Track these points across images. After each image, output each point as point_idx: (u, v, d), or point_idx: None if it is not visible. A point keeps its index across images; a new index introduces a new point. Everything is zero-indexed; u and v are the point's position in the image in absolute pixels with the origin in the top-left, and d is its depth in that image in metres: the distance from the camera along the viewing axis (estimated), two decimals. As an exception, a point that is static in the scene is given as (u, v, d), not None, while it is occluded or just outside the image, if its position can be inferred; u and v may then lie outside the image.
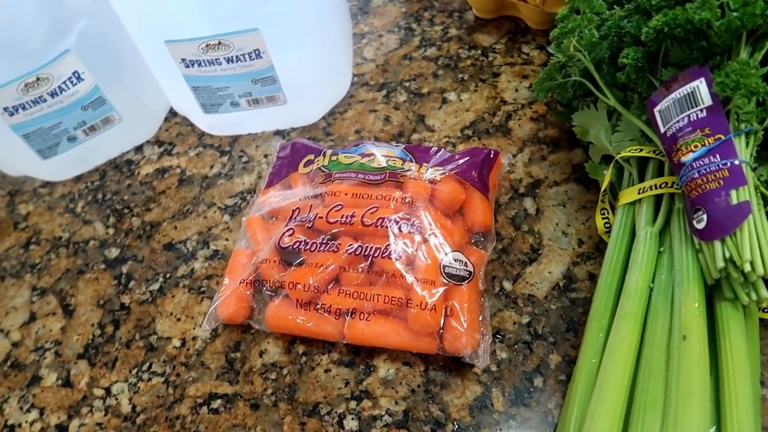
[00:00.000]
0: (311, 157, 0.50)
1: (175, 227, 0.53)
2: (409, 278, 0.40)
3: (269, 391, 0.42)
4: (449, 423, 0.39)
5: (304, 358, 0.43)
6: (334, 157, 0.48)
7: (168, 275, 0.50)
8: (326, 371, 0.42)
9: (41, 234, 0.55)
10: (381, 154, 0.47)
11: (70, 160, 0.57)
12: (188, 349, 0.45)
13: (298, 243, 0.44)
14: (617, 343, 0.33)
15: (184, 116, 0.61)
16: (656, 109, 0.38)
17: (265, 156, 0.57)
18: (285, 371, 0.43)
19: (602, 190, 0.42)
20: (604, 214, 0.43)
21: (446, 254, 0.41)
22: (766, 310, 0.36)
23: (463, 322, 0.39)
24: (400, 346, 0.41)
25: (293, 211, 0.46)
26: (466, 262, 0.41)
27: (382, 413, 0.40)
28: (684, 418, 0.28)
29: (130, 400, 0.43)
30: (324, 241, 0.43)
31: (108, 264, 0.52)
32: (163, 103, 0.61)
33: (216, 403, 0.42)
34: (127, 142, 0.60)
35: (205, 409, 0.42)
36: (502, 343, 0.42)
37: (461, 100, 0.58)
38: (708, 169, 0.33)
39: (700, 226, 0.33)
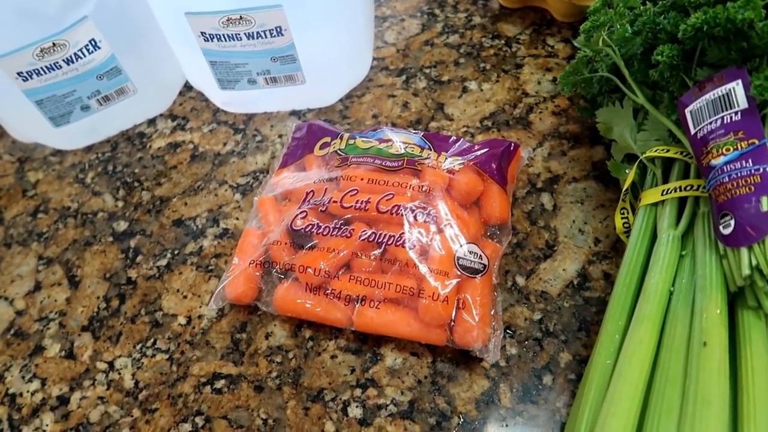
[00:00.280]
0: (327, 139, 0.49)
1: (186, 203, 0.52)
2: (422, 268, 0.40)
3: (274, 374, 0.41)
4: (455, 416, 0.39)
5: (310, 343, 0.43)
6: (351, 141, 0.47)
7: (176, 251, 0.49)
8: (332, 357, 0.42)
9: (50, 203, 0.54)
10: (399, 141, 0.47)
11: (82, 130, 0.56)
12: (194, 328, 0.45)
13: (310, 226, 0.43)
14: (634, 346, 0.32)
15: (199, 91, 0.60)
16: (688, 110, 0.36)
17: (280, 136, 0.56)
18: (291, 355, 0.42)
19: (624, 189, 0.42)
20: (623, 213, 0.42)
21: (461, 246, 0.40)
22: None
23: (475, 316, 0.38)
24: (409, 336, 0.40)
25: (307, 193, 0.45)
26: (480, 255, 0.40)
27: (387, 402, 0.39)
28: (701, 427, 0.27)
29: (132, 375, 0.43)
30: (337, 226, 0.42)
31: (116, 237, 0.51)
32: (179, 76, 0.60)
33: (219, 383, 0.42)
34: (141, 114, 0.59)
35: (208, 388, 0.41)
36: (513, 338, 0.41)
37: (482, 90, 0.56)
38: (739, 174, 0.32)
39: (727, 231, 0.32)
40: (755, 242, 0.31)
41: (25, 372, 0.44)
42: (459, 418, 0.38)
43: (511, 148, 0.46)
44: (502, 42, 0.60)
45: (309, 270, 0.41)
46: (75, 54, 0.50)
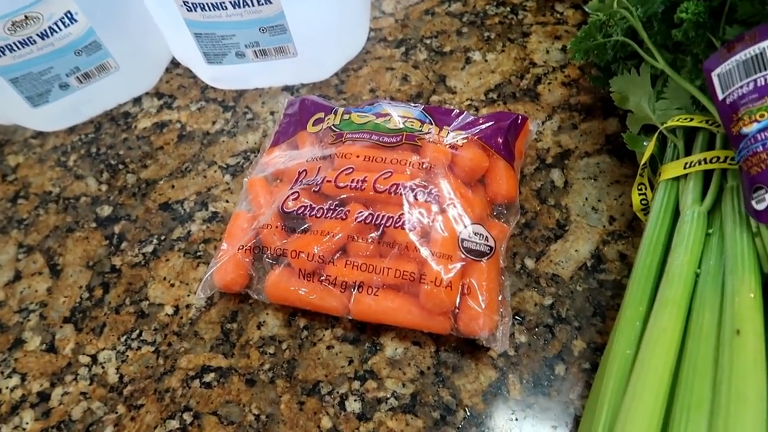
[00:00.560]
0: (321, 115, 0.45)
1: (173, 186, 0.49)
2: (424, 251, 0.37)
3: (266, 366, 0.39)
4: (460, 409, 0.36)
5: (305, 333, 0.40)
6: (346, 116, 0.44)
7: (163, 237, 0.46)
8: (329, 348, 0.39)
9: (30, 188, 0.51)
10: (398, 115, 0.43)
11: (62, 110, 0.53)
12: (181, 318, 0.42)
13: (303, 208, 0.40)
14: (657, 334, 0.29)
15: (187, 68, 0.57)
16: (715, 73, 0.33)
17: (272, 113, 0.53)
18: (284, 346, 0.40)
19: (642, 163, 0.38)
20: (641, 189, 0.39)
21: (465, 227, 0.37)
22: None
23: (481, 302, 0.35)
24: (410, 325, 0.37)
25: (299, 173, 0.42)
26: (486, 236, 0.37)
27: (388, 396, 0.37)
28: (736, 423, 0.25)
29: (117, 369, 0.40)
30: (331, 207, 0.39)
31: (99, 223, 0.48)
32: (165, 52, 0.57)
33: (209, 377, 0.39)
34: (125, 92, 0.56)
35: (197, 382, 0.39)
36: (522, 325, 0.38)
37: (486, 61, 0.53)
38: (774, 142, 0.29)
39: (761, 207, 0.29)
40: (794, 218, 0.27)
41: (4, 367, 0.41)
42: (465, 411, 0.36)
43: (519, 121, 0.43)
44: (508, 9, 0.56)
45: (302, 255, 0.38)
46: (50, 27, 0.46)
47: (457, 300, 0.36)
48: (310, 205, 0.40)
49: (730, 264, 0.30)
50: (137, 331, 0.42)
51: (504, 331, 0.36)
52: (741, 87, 0.31)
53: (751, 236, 0.30)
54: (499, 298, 0.37)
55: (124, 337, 0.42)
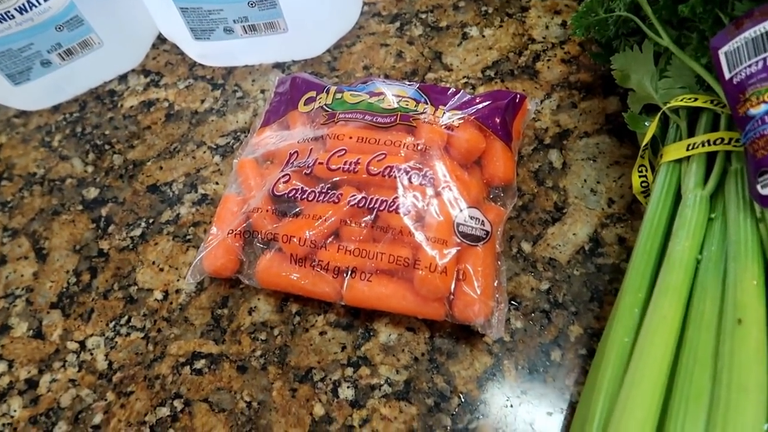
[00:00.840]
0: (313, 93, 0.44)
1: (161, 167, 0.48)
2: (418, 236, 0.36)
3: (258, 352, 0.38)
4: (455, 396, 0.35)
5: (297, 319, 0.39)
6: (338, 95, 0.43)
7: (151, 220, 0.45)
8: (321, 334, 0.38)
9: (14, 169, 0.50)
10: (392, 94, 0.42)
11: (45, 88, 0.51)
12: (171, 303, 0.41)
13: (294, 191, 0.39)
14: (657, 322, 0.28)
15: (174, 43, 0.55)
16: (722, 51, 0.32)
17: (262, 91, 0.51)
18: (276, 332, 0.39)
19: (643, 144, 0.37)
20: (642, 171, 0.38)
21: (461, 211, 0.36)
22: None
23: (477, 288, 0.35)
24: (404, 311, 0.36)
25: (290, 154, 0.41)
26: (483, 221, 0.36)
27: (381, 382, 0.36)
28: (736, 415, 0.24)
29: (106, 356, 0.39)
30: (324, 191, 0.38)
31: (86, 205, 0.47)
32: (151, 27, 0.55)
33: (199, 363, 0.38)
34: (110, 70, 0.54)
35: (187, 369, 0.38)
36: (518, 310, 0.38)
37: (484, 37, 0.51)
38: (782, 124, 0.28)
39: (766, 191, 0.28)
40: (801, 203, 0.26)
41: (-10, 353, 0.41)
42: (459, 398, 0.35)
43: (517, 100, 0.42)
44: (506, -18, 0.54)
45: (293, 239, 0.37)
46: (28, 2, 0.44)
47: (452, 286, 0.35)
48: (302, 188, 0.39)
49: (733, 250, 0.29)
50: (126, 317, 0.41)
51: (499, 318, 0.35)
52: (749, 66, 0.30)
53: (755, 222, 0.29)
54: (495, 284, 0.36)
55: (113, 323, 0.41)
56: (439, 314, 0.36)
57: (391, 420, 0.35)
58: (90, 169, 0.49)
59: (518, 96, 0.42)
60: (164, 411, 0.37)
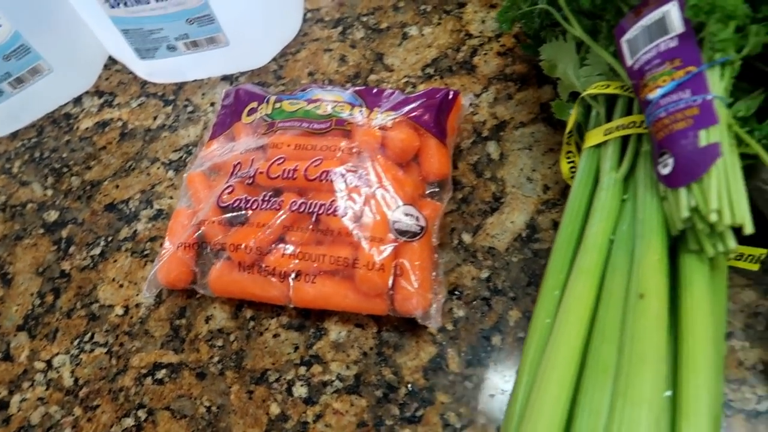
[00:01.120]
0: (255, 104, 0.45)
1: (117, 186, 0.49)
2: (357, 236, 0.37)
3: (216, 359, 0.40)
4: (402, 386, 0.37)
5: (251, 323, 0.41)
6: (277, 105, 0.44)
7: (110, 238, 0.47)
8: (275, 336, 0.40)
9: (-24, 198, 0.52)
10: (329, 100, 0.43)
11: (1, 117, 0.52)
12: (131, 317, 0.43)
13: (238, 201, 0.40)
14: (571, 303, 0.30)
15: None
16: (624, 39, 0.33)
17: (212, 104, 0.52)
18: (232, 337, 0.40)
19: (567, 131, 0.39)
20: (569, 157, 0.40)
21: (396, 209, 0.38)
22: (738, 258, 0.33)
23: (414, 282, 0.36)
24: (349, 308, 0.38)
25: (234, 166, 0.42)
26: (417, 217, 0.38)
27: (333, 378, 0.38)
28: (634, 385, 0.26)
29: (72, 372, 0.41)
30: (266, 198, 0.40)
31: (47, 228, 0.48)
32: (101, 49, 0.56)
33: (161, 373, 0.40)
34: (64, 93, 0.55)
35: (149, 379, 0.40)
36: (460, 300, 0.39)
37: (423, 35, 0.53)
38: (676, 107, 0.29)
39: (666, 171, 0.30)
40: (694, 181, 0.28)
41: (-39, 378, 0.42)
42: (406, 387, 0.37)
43: (450, 96, 0.43)
44: (443, -21, 0.56)
45: (240, 248, 0.39)
46: (-28, 36, 0.46)
47: (390, 281, 0.36)
48: (245, 197, 0.40)
49: (640, 229, 0.30)
50: (89, 334, 0.42)
51: (437, 308, 0.37)
52: (646, 52, 0.32)
53: (659, 200, 0.31)
54: (433, 276, 0.38)
55: (77, 340, 0.42)
56: (381, 309, 0.37)
57: (343, 414, 0.37)
58: (49, 192, 0.50)
59: (451, 93, 0.43)
60: (129, 421, 0.38)
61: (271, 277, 0.38)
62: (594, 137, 0.37)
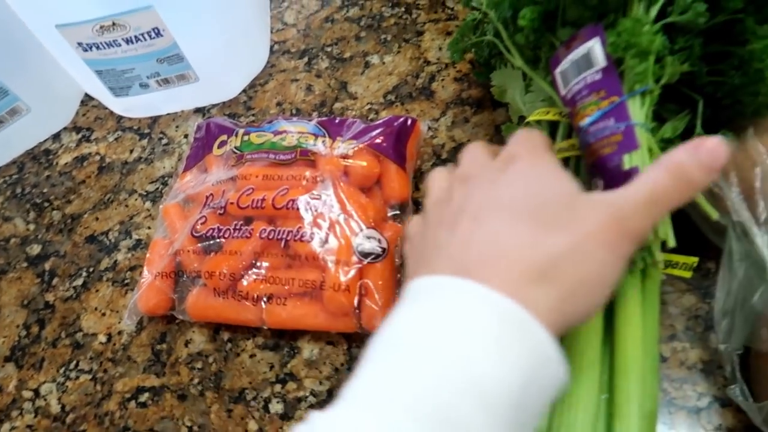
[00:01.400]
0: (224, 137, 0.48)
1: (97, 218, 0.52)
2: (324, 259, 0.40)
3: (195, 380, 0.42)
4: (372, 398, 0.39)
5: (229, 345, 0.43)
6: (246, 137, 0.47)
7: (91, 269, 0.49)
8: (251, 356, 0.42)
9: (-40, 235, 0.53)
10: (294, 131, 0.46)
11: (-19, 156, 0.55)
12: (114, 344, 0.45)
13: (211, 230, 0.43)
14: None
15: (101, 99, 0.59)
16: (557, 71, 0.36)
17: (185, 136, 0.55)
18: (211, 359, 0.43)
19: (515, 154, 0.42)
20: (520, 177, 0.43)
21: (359, 233, 0.41)
22: (673, 266, 0.36)
23: (378, 300, 0.39)
24: (319, 327, 0.41)
25: (206, 197, 0.45)
26: (379, 239, 0.41)
27: (307, 394, 0.40)
28: (572, 390, 0.28)
29: (58, 399, 0.43)
30: (237, 227, 0.42)
31: (30, 262, 0.50)
32: (77, 87, 0.58)
33: (143, 397, 0.42)
34: (42, 130, 0.57)
35: (133, 403, 0.42)
36: (424, 315, 0.42)
37: (384, 63, 0.56)
38: (603, 134, 0.32)
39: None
40: (620, 202, 0.31)
41: (-48, 411, 0.44)
42: (375, 399, 0.39)
43: (408, 123, 0.46)
44: (402, 9, 0.59)
45: (215, 274, 0.41)
46: (-48, 81, 0.48)
47: (356, 301, 0.39)
48: (218, 227, 0.43)
49: (577, 246, 0.33)
50: (74, 362, 0.45)
51: (401, 324, 0.39)
52: (576, 84, 0.35)
53: (594, 219, 0.34)
54: (396, 293, 0.40)
55: (63, 368, 0.44)
56: (350, 327, 0.40)
57: (317, 426, 0.39)
58: (32, 226, 0.53)
59: (410, 120, 0.46)
60: (114, 444, 0.41)
61: (245, 301, 0.41)
62: (539, 159, 0.40)
